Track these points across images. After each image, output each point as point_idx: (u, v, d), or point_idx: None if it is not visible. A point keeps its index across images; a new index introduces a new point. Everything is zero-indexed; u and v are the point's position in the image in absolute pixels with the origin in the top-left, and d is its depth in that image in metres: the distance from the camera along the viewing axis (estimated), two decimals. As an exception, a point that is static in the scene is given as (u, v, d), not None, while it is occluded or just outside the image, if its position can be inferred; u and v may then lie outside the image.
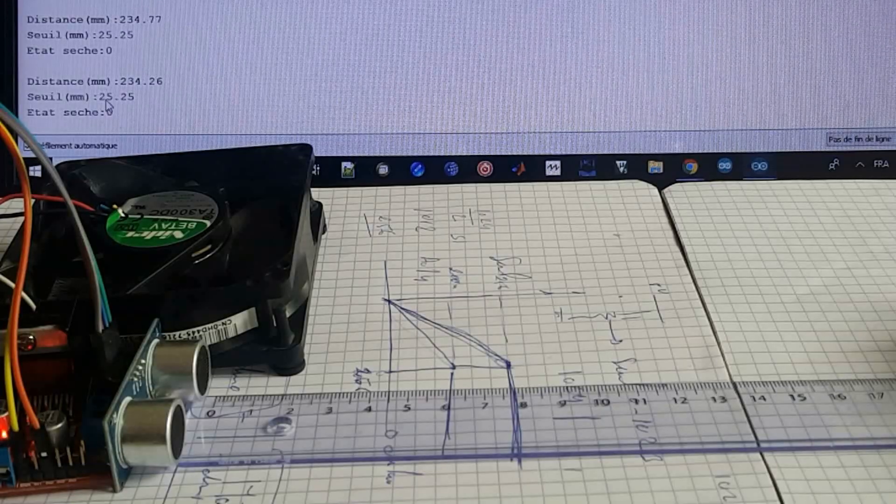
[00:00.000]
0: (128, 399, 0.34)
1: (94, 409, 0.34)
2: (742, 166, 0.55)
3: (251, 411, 0.38)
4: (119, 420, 0.34)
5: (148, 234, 0.41)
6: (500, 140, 0.55)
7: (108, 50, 0.55)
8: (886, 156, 0.55)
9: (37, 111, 0.55)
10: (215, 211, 0.43)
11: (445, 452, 0.36)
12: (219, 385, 0.40)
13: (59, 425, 0.34)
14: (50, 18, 0.56)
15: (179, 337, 0.39)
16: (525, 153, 0.55)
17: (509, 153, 0.55)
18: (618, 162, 0.55)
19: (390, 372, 0.40)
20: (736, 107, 0.55)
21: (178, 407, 0.35)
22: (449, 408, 0.38)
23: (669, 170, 0.55)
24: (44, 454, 0.34)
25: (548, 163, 0.55)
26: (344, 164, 0.55)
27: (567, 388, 0.39)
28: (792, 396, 0.38)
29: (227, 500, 0.34)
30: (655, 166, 0.55)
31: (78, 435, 0.34)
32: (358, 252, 0.48)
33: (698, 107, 0.55)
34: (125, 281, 0.39)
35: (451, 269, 0.47)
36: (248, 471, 0.36)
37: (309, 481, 0.35)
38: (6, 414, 0.33)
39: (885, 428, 0.37)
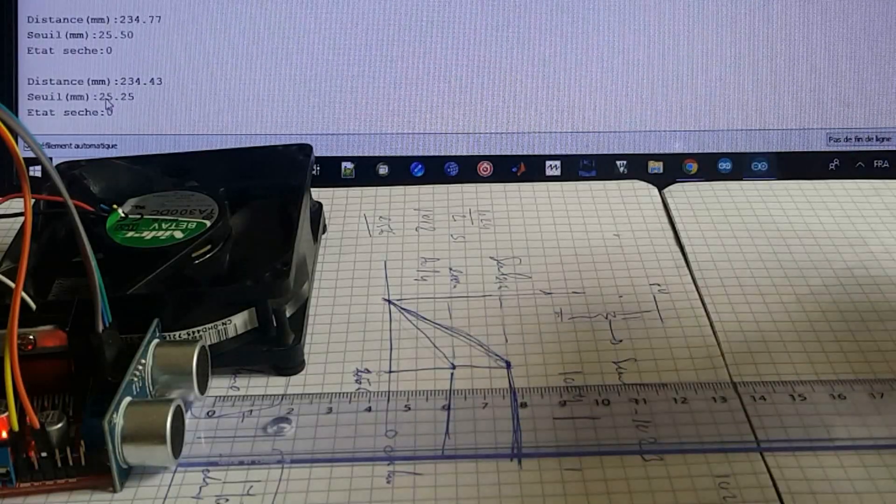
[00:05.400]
0: (128, 399, 0.34)
1: (94, 409, 0.34)
2: (742, 166, 0.55)
3: (251, 411, 0.38)
4: (119, 420, 0.34)
5: (148, 234, 0.41)
6: (500, 140, 0.55)
7: (108, 50, 0.55)
8: (886, 156, 0.55)
9: (37, 111, 0.55)
10: (215, 211, 0.43)
11: (445, 452, 0.36)
12: (219, 385, 0.40)
13: (59, 425, 0.34)
14: (50, 18, 0.56)
15: (179, 337, 0.39)
16: (525, 153, 0.55)
17: (509, 153, 0.55)
18: (618, 162, 0.55)
19: (390, 372, 0.40)
20: (736, 107, 0.55)
21: (178, 407, 0.35)
22: (449, 408, 0.38)
23: (669, 170, 0.55)
24: (44, 454, 0.34)
25: (548, 163, 0.55)
26: (344, 164, 0.55)
27: (567, 388, 0.39)
28: (792, 396, 0.38)
29: (227, 500, 0.34)
30: (655, 166, 0.55)
31: (78, 435, 0.34)
32: (358, 252, 0.48)
33: (698, 107, 0.55)
34: (125, 281, 0.39)
35: (451, 269, 0.47)
36: (248, 471, 0.36)
37: (309, 481, 0.35)
38: (6, 414, 0.33)
39: (885, 428, 0.37)
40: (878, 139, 0.55)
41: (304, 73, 0.55)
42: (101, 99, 0.55)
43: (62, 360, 0.36)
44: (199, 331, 0.39)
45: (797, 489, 0.34)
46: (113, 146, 0.55)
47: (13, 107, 0.55)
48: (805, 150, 0.55)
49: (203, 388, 0.38)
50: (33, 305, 0.36)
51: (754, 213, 0.51)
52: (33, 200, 0.34)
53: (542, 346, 0.42)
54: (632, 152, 0.55)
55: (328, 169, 0.55)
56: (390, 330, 0.43)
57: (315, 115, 0.55)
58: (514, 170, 0.55)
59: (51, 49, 0.55)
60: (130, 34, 0.55)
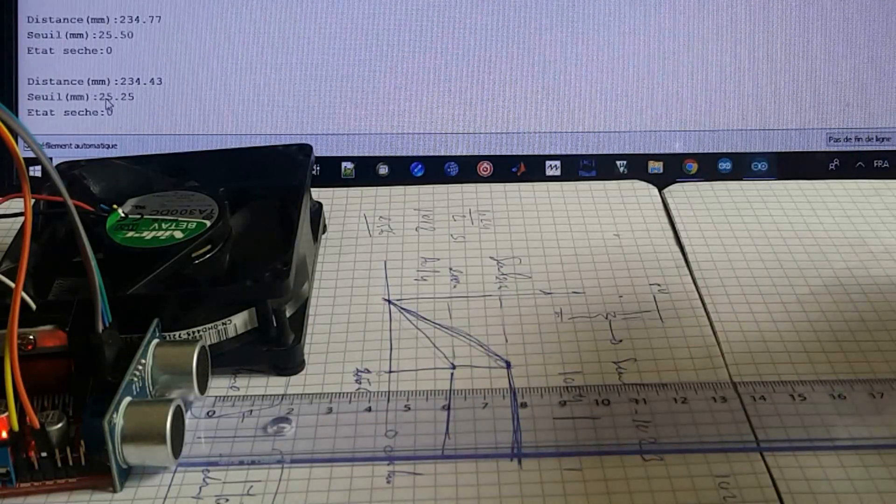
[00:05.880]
0: (128, 399, 0.34)
1: (94, 409, 0.34)
2: (742, 166, 0.55)
3: (251, 411, 0.38)
4: (119, 420, 0.34)
5: (148, 234, 0.41)
6: (500, 140, 0.55)
7: (108, 50, 0.55)
8: (886, 156, 0.55)
9: (37, 111, 0.55)
10: (215, 211, 0.43)
11: (445, 452, 0.36)
12: (219, 385, 0.40)
13: (59, 425, 0.34)
14: (50, 18, 0.56)
15: (179, 337, 0.39)
16: (525, 153, 0.55)
17: (509, 153, 0.55)
18: (618, 162, 0.55)
19: (390, 372, 0.40)
20: (736, 107, 0.55)
21: (178, 407, 0.35)
22: (449, 408, 0.38)
23: (669, 170, 0.55)
24: (44, 454, 0.34)
25: (548, 163, 0.55)
26: (344, 164, 0.55)
27: (567, 388, 0.39)
28: (792, 396, 0.38)
29: (227, 500, 0.34)
30: (655, 166, 0.55)
31: (78, 435, 0.34)
32: (358, 252, 0.48)
33: (698, 107, 0.55)
34: (125, 281, 0.39)
35: (451, 269, 0.47)
36: (248, 471, 0.36)
37: (309, 481, 0.35)
38: (6, 414, 0.33)
39: (885, 428, 0.37)
40: (877, 139, 0.55)
41: (304, 74, 0.55)
42: (101, 99, 0.55)
43: (62, 360, 0.36)
44: (199, 331, 0.39)
45: (797, 489, 0.34)
46: (113, 146, 0.55)
47: (13, 107, 0.55)
48: (805, 150, 0.55)
49: (203, 388, 0.38)
50: (33, 305, 0.36)
51: (754, 213, 0.51)
52: (33, 200, 0.34)
53: (542, 346, 0.42)
54: (632, 152, 0.55)
55: (328, 169, 0.55)
56: (390, 330, 0.43)
57: (315, 115, 0.55)
58: (514, 170, 0.55)
59: (51, 49, 0.55)
60: (130, 34, 0.55)
